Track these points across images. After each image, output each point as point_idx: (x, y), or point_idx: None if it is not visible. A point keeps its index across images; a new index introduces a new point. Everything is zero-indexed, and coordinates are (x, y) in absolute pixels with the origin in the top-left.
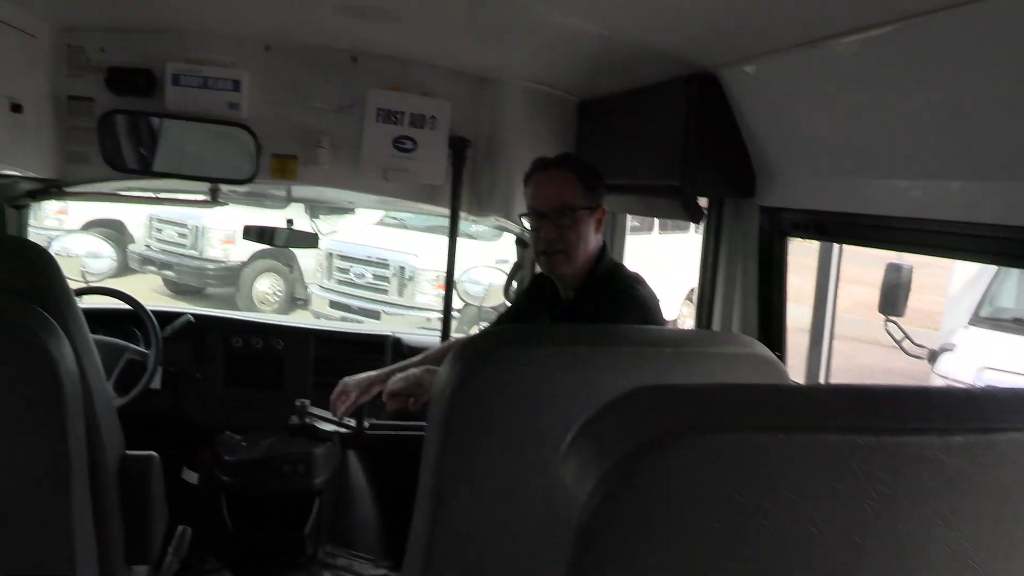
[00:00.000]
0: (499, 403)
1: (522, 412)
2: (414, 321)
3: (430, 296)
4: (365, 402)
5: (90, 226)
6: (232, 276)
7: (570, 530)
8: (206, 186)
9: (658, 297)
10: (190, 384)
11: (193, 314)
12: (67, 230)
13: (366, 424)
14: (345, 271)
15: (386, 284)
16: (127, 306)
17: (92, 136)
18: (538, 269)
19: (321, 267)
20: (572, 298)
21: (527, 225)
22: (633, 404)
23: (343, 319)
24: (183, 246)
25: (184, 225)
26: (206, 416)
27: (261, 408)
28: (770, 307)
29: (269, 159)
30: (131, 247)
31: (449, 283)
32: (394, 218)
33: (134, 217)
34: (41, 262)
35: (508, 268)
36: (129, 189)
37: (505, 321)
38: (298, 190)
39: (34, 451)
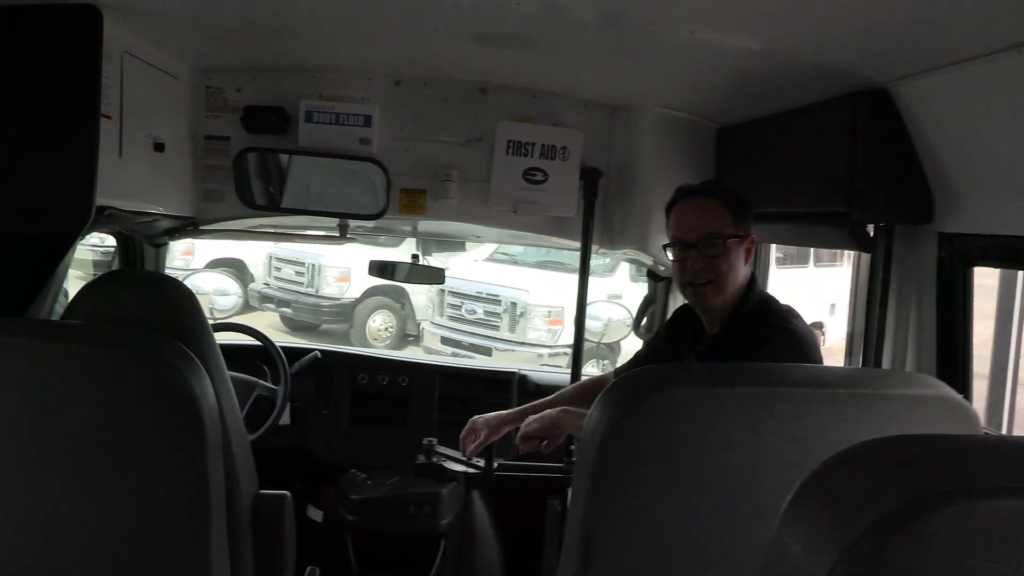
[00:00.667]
0: (654, 449)
1: (680, 459)
2: (526, 358)
3: (542, 332)
4: (494, 442)
5: (213, 265)
6: (346, 313)
7: None
8: (335, 222)
9: (814, 332)
10: (316, 421)
11: (321, 350)
12: (194, 269)
13: (495, 464)
14: (457, 307)
15: (497, 320)
16: (256, 342)
17: (227, 175)
18: (674, 304)
19: (432, 303)
20: (718, 333)
21: (669, 256)
22: (871, 460)
23: (454, 355)
24: (300, 284)
25: (302, 263)
26: (331, 453)
27: (386, 446)
28: (952, 344)
29: (398, 193)
30: (251, 285)
31: (580, 319)
32: (505, 254)
33: (254, 256)
34: (182, 298)
35: (622, 303)
36: (261, 227)
37: (644, 359)
38: (425, 224)
39: (175, 489)
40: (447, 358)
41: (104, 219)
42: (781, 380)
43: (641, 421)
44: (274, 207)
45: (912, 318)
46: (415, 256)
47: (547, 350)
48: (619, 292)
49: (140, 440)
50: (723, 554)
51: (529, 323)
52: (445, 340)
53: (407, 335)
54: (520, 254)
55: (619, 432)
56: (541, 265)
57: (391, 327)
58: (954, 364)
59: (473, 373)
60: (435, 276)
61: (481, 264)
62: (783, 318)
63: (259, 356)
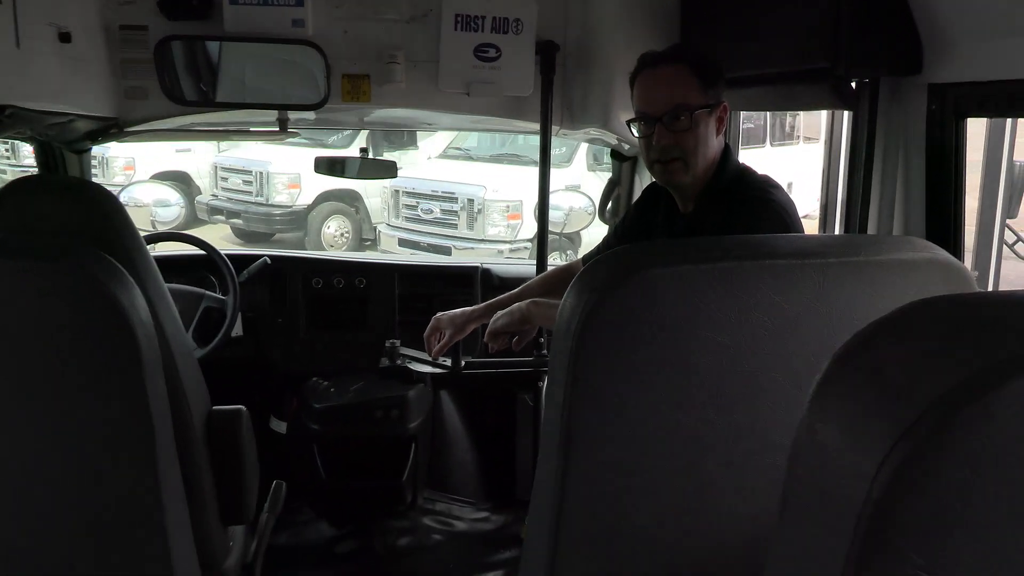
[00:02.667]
0: (635, 334)
1: (663, 343)
2: (486, 254)
3: (501, 228)
4: (460, 340)
5: (158, 178)
6: (299, 220)
7: (848, 506)
8: (274, 116)
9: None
10: (271, 330)
11: (270, 256)
12: (137, 182)
13: (462, 363)
14: (412, 207)
15: (455, 218)
16: (201, 252)
17: (149, 69)
18: (641, 185)
19: (387, 205)
20: (693, 210)
21: (635, 133)
22: (925, 325)
23: (412, 256)
24: (249, 193)
25: (249, 172)
26: (290, 362)
27: (347, 351)
28: (943, 204)
29: (340, 81)
30: (199, 198)
31: (544, 207)
32: (459, 148)
33: (200, 167)
34: (106, 205)
35: (583, 191)
36: (193, 125)
37: (613, 244)
38: (372, 115)
39: (113, 411)
40: (405, 257)
41: (6, 120)
42: (768, 252)
43: (620, 305)
44: (206, 102)
45: (899, 179)
46: (364, 151)
47: (507, 245)
48: (577, 182)
49: (68, 361)
50: (712, 439)
51: (488, 219)
52: (403, 242)
53: (363, 239)
54: (474, 148)
55: (597, 319)
56: (496, 159)
57: (347, 232)
58: (945, 226)
59: (433, 270)
60: (386, 169)
61: (435, 161)
62: (762, 189)
63: (205, 267)
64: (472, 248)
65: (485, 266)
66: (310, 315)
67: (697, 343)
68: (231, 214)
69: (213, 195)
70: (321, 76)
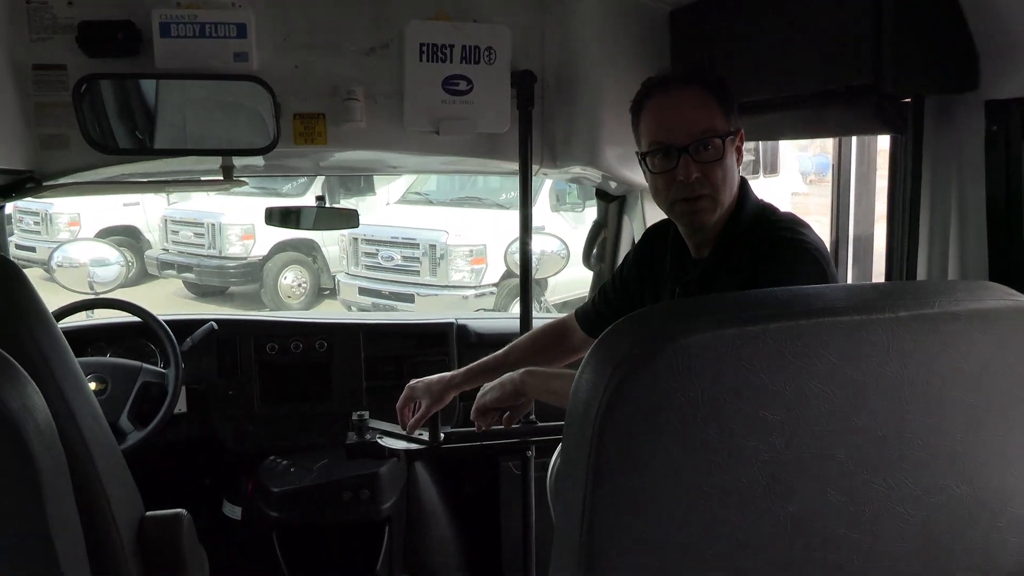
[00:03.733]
0: (671, 415)
1: (704, 425)
2: (450, 301)
3: (465, 273)
4: (438, 410)
5: (104, 234)
6: (255, 272)
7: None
8: (217, 163)
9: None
10: (221, 404)
11: (217, 320)
12: (81, 239)
13: (441, 436)
14: (372, 255)
15: (417, 264)
16: (135, 318)
17: (69, 113)
18: (629, 227)
19: (346, 253)
20: (710, 255)
21: (649, 168)
22: None
23: (374, 306)
24: (201, 245)
25: (200, 224)
26: (244, 440)
27: (308, 425)
28: (1009, 240)
29: (291, 121)
30: (148, 253)
31: (526, 254)
32: (418, 193)
33: (150, 220)
34: (6, 279)
35: (553, 234)
36: (124, 176)
37: (612, 295)
38: (329, 159)
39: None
40: (370, 314)
41: None
42: (828, 307)
43: (651, 382)
44: (136, 150)
45: (953, 213)
46: (320, 199)
47: (472, 291)
48: (540, 223)
49: None
50: (766, 538)
51: (451, 265)
52: (363, 291)
53: (322, 289)
54: (434, 192)
55: (624, 399)
56: (458, 202)
57: (304, 283)
58: (1013, 267)
59: (402, 329)
60: (346, 219)
61: (394, 207)
62: (790, 229)
63: (144, 335)
64: (436, 295)
65: (461, 322)
66: (265, 385)
67: (745, 423)
68: (183, 268)
69: (164, 249)
70: (269, 116)
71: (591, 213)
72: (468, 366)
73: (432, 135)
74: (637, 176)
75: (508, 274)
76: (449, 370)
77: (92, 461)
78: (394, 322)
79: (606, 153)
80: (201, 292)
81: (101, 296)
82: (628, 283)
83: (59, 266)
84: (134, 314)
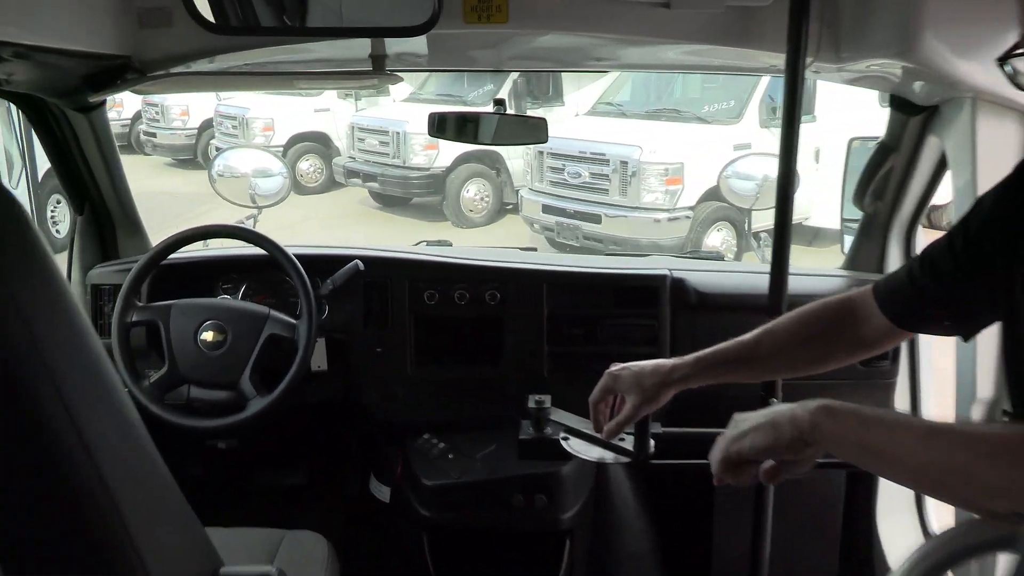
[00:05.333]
0: None
1: None
2: (641, 224)
3: (658, 194)
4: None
5: (295, 140)
6: (437, 184)
7: None
8: (363, 49)
9: None
10: (367, 361)
11: (365, 256)
12: (275, 147)
13: (651, 447)
14: (558, 170)
15: (606, 182)
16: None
17: None
18: (928, 152)
19: (531, 168)
20: None
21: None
22: None
23: (557, 224)
24: (386, 155)
25: (385, 132)
26: (392, 408)
27: (472, 396)
28: None
29: None
30: (335, 160)
31: (786, 186)
32: (609, 104)
33: (340, 128)
34: None
35: (768, 155)
36: (246, 66)
37: (951, 264)
38: (513, 46)
39: None
40: (556, 257)
41: None
42: None
43: None
44: (255, 28)
45: None
46: (499, 103)
47: (665, 214)
48: (747, 141)
49: None
50: None
51: (643, 184)
52: (547, 208)
53: (505, 204)
54: (628, 103)
55: None
56: (653, 115)
57: (487, 196)
58: None
59: (597, 279)
60: (533, 130)
61: (583, 119)
62: None
63: (272, 273)
64: (625, 216)
65: (677, 274)
66: (420, 342)
67: None
68: (367, 177)
69: (351, 157)
70: None
71: (808, 131)
72: (698, 354)
73: (658, 10)
74: (975, 76)
75: (707, 196)
76: (657, 337)
77: (115, 509)
78: (587, 270)
79: (928, 40)
80: (385, 202)
81: (217, 225)
82: (982, 243)
83: (220, 175)
84: (263, 247)
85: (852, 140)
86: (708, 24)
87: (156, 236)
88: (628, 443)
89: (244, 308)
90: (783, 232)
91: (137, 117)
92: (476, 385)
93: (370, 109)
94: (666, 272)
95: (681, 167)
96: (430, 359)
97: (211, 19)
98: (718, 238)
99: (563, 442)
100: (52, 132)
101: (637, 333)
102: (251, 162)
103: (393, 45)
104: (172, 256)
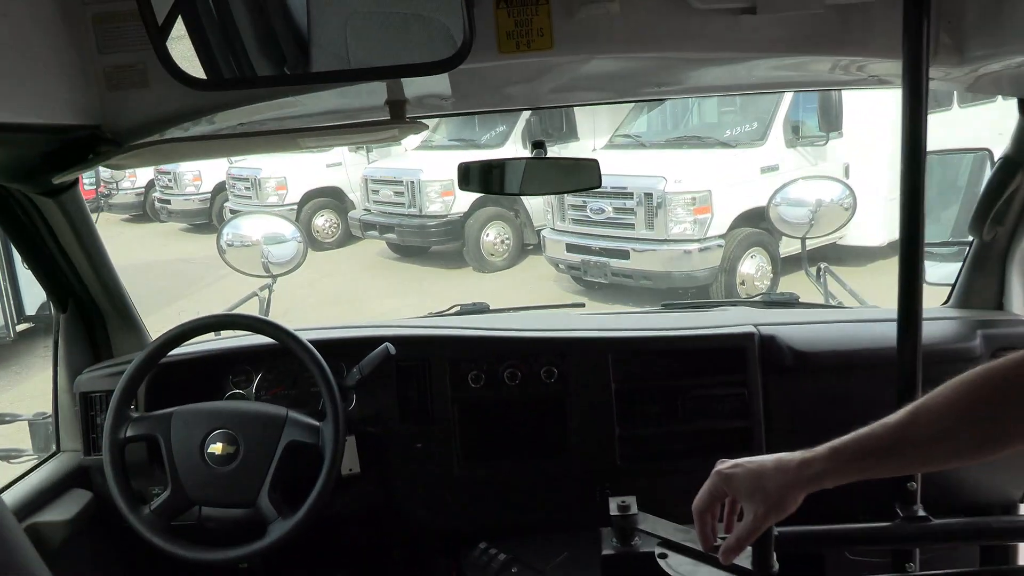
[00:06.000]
0: None
1: None
2: (671, 257)
3: (687, 224)
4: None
5: (308, 197)
6: (456, 230)
7: None
8: (378, 94)
9: None
10: (406, 461)
11: (394, 337)
12: (289, 205)
13: (775, 567)
14: (580, 208)
15: (631, 216)
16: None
17: (138, 33)
18: None
19: (551, 207)
20: None
21: None
22: None
23: (584, 263)
24: (401, 204)
25: (400, 182)
26: (439, 515)
27: (532, 495)
28: None
29: (493, 14)
30: (351, 214)
31: (915, 203)
32: (626, 136)
33: (353, 180)
34: None
35: (832, 177)
36: (238, 127)
37: None
38: (557, 76)
39: None
40: (617, 319)
41: None
42: None
43: None
44: (256, 80)
45: None
46: (539, 145)
47: (696, 245)
48: (774, 163)
49: None
50: None
51: (670, 215)
52: (571, 247)
53: (526, 245)
54: (645, 133)
55: None
56: (675, 143)
57: (507, 239)
58: None
59: (673, 343)
60: (584, 174)
61: (601, 153)
62: None
63: (288, 365)
64: (653, 250)
65: (765, 330)
66: (468, 435)
67: None
68: (384, 228)
69: (366, 209)
70: (456, 11)
71: (835, 148)
72: (833, 444)
73: (742, 18)
74: None
75: (737, 223)
76: (749, 408)
77: None
78: (658, 333)
79: None
80: (403, 252)
81: (220, 315)
82: None
83: (229, 245)
84: (268, 336)
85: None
86: (802, 30)
87: (179, 305)
88: (745, 558)
89: (257, 412)
90: (913, 268)
91: (151, 185)
92: (536, 482)
93: (382, 160)
94: (752, 329)
95: (708, 195)
96: (480, 454)
97: (194, 74)
98: (752, 265)
99: (660, 560)
100: (18, 222)
101: (724, 405)
102: (261, 228)
103: (412, 87)
104: (173, 352)
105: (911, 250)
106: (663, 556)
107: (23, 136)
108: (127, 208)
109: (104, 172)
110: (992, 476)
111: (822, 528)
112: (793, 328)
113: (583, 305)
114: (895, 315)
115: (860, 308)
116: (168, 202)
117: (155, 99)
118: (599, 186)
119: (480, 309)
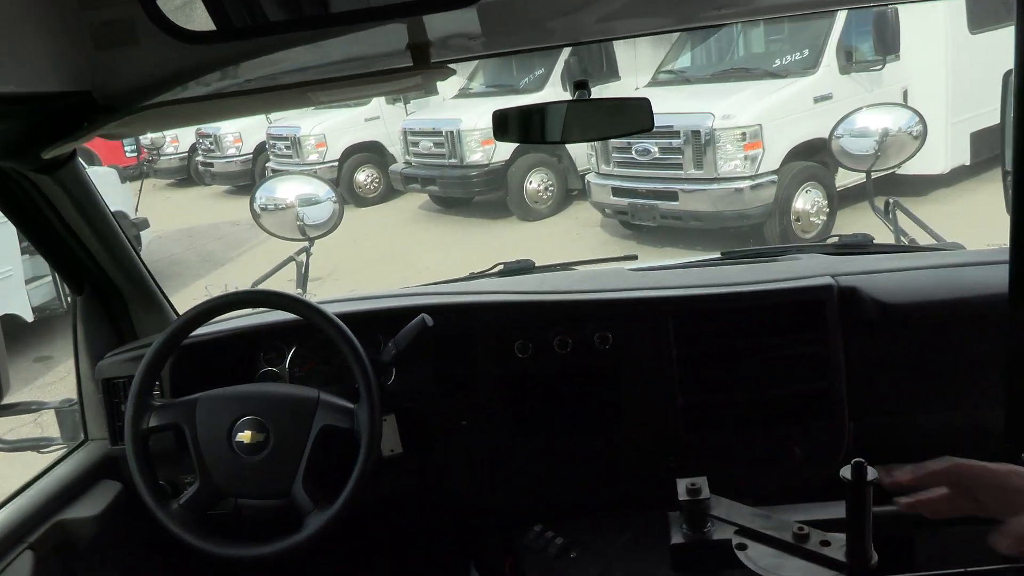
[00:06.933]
0: None
1: None
2: (721, 196)
3: (738, 161)
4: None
5: (349, 153)
6: (499, 179)
7: None
8: (396, 38)
9: None
10: (449, 438)
11: (431, 306)
12: (330, 162)
13: (873, 552)
14: (624, 150)
15: (678, 156)
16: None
17: None
18: None
19: (594, 150)
20: None
21: None
22: None
23: (631, 206)
24: (442, 155)
25: (439, 133)
26: (489, 494)
27: (588, 470)
28: None
29: None
30: (392, 167)
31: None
32: (670, 72)
33: (392, 134)
34: None
35: (900, 105)
36: (234, 86)
37: None
38: (595, 9)
39: None
40: (676, 275)
41: None
42: None
43: None
44: (260, 27)
45: None
46: (581, 85)
47: (747, 182)
48: (827, 92)
49: None
50: None
51: (719, 153)
52: (617, 191)
53: (570, 190)
54: (689, 68)
55: None
56: (721, 77)
57: (551, 186)
58: None
59: (740, 300)
60: (634, 116)
61: (644, 91)
62: None
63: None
64: (703, 190)
65: (844, 281)
66: (517, 409)
67: None
68: (426, 181)
69: (406, 163)
70: None
71: (892, 72)
72: None
73: None
74: None
75: (791, 156)
76: (827, 369)
77: None
78: (722, 290)
79: None
80: (447, 204)
81: (247, 291)
82: None
83: (263, 209)
84: (296, 314)
85: (1007, 74)
86: None
87: (227, 268)
88: (837, 549)
89: (286, 395)
90: None
91: (193, 149)
92: (593, 458)
93: (420, 111)
94: (829, 280)
95: (759, 129)
96: (531, 429)
97: (187, 26)
98: (807, 201)
99: (738, 551)
100: (16, 203)
101: (800, 367)
102: (295, 190)
103: (435, 28)
104: (200, 332)
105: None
106: (742, 547)
107: (4, 108)
108: (172, 173)
109: (144, 139)
110: None
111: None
112: (876, 277)
113: (636, 257)
114: (997, 256)
115: (953, 251)
116: (211, 165)
117: (148, 58)
118: (651, 128)
119: (524, 268)
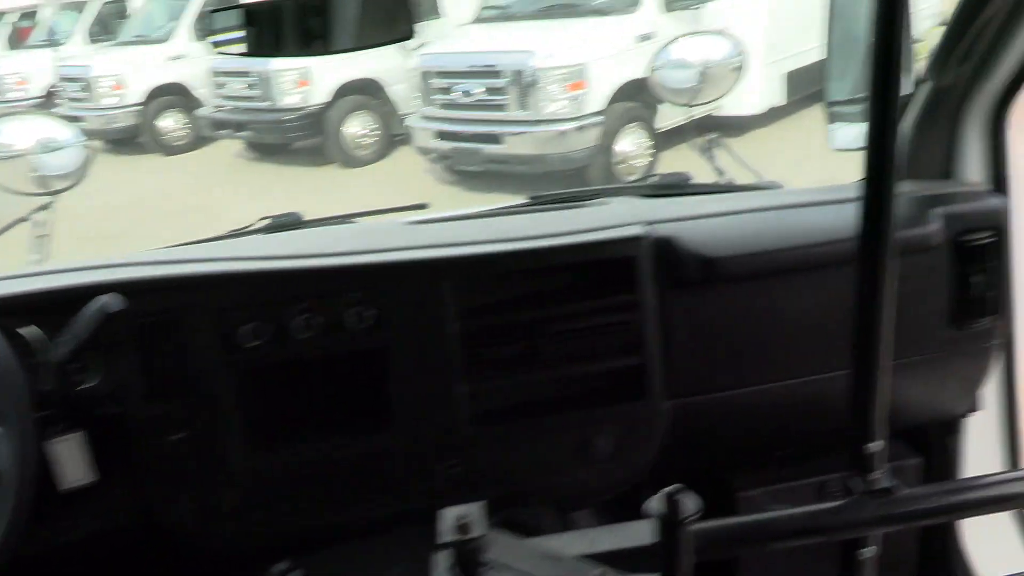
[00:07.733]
0: None
1: None
2: (547, 139)
3: (562, 102)
4: None
5: (153, 96)
6: (316, 123)
7: None
8: None
9: None
10: (162, 455)
11: (125, 281)
12: (132, 105)
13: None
14: (447, 91)
15: (502, 96)
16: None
17: None
18: None
19: (417, 91)
20: None
21: None
22: None
23: (454, 151)
24: (253, 98)
25: (248, 73)
26: (217, 530)
27: (346, 484)
28: None
29: None
30: (199, 112)
31: (889, 52)
32: (493, 7)
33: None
34: None
35: (717, 33)
36: None
37: None
38: None
39: None
40: (458, 228)
41: None
42: None
43: None
44: None
45: None
46: None
47: (572, 123)
48: (649, 31)
49: None
50: None
51: (543, 93)
52: (442, 135)
53: (395, 136)
54: (514, 3)
55: None
56: (544, 13)
57: (374, 130)
58: None
59: (533, 257)
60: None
61: (466, 28)
62: None
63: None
64: (528, 132)
65: (660, 230)
66: (251, 413)
67: None
68: (238, 126)
69: (216, 107)
70: None
71: (714, 10)
72: None
73: None
74: None
75: (617, 97)
76: (641, 340)
77: None
78: (512, 246)
79: None
80: (264, 151)
81: None
82: None
83: None
84: None
85: None
86: None
87: None
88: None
89: None
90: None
91: (50, 95)
92: (353, 469)
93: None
94: (640, 231)
95: (582, 68)
96: (269, 438)
97: None
98: (630, 143)
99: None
100: None
101: (608, 339)
102: (30, 134)
103: None
104: None
105: (883, 108)
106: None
107: None
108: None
109: None
110: (934, 394)
111: (748, 520)
112: (694, 225)
113: (425, 206)
114: (820, 196)
115: (775, 191)
116: (81, 120)
117: None
118: (409, 35)
119: (290, 222)
